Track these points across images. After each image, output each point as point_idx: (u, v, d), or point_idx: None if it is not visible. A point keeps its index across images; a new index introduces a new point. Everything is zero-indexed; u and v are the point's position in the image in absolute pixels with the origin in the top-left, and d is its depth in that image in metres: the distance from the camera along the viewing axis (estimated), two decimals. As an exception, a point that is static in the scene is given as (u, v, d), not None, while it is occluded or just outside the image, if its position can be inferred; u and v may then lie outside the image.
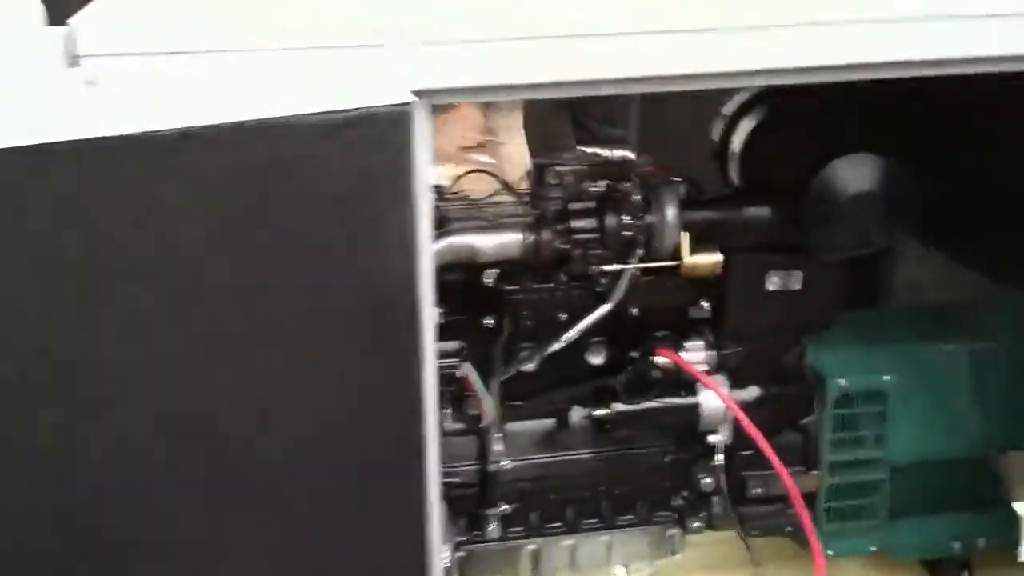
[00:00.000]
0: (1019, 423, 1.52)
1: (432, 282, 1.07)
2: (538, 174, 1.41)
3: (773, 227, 1.39)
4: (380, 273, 1.04)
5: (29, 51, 0.96)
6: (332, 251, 1.03)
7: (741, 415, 1.40)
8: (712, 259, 1.38)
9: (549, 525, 1.53)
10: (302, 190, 1.00)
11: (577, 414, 1.50)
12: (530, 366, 1.43)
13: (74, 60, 0.95)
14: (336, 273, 1.03)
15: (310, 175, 1.00)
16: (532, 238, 1.35)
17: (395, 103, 0.99)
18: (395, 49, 1.01)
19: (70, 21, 0.98)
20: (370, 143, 1.00)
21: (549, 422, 1.51)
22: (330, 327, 1.05)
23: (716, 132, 1.54)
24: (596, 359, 1.49)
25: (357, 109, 0.99)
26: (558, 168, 1.40)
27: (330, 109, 0.98)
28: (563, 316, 1.41)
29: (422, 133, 1.02)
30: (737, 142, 1.47)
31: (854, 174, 1.29)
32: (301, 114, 0.97)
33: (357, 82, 1.00)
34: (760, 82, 1.25)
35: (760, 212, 1.37)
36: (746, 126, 1.47)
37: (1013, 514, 1.59)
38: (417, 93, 1.01)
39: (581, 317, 1.39)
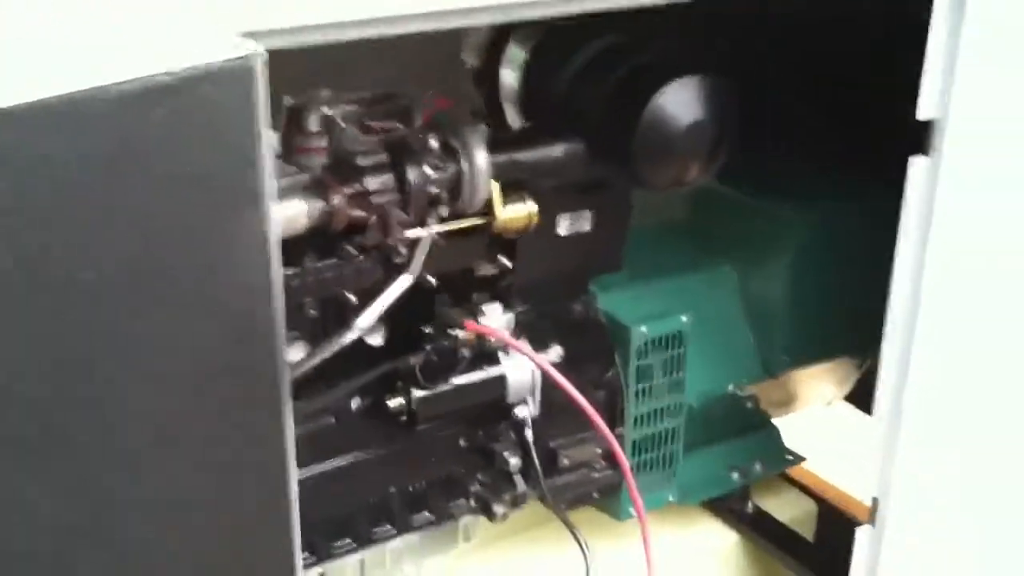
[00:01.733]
0: (795, 346, 1.48)
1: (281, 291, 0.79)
2: (297, 118, 1.12)
3: (582, 164, 1.20)
4: (232, 289, 0.74)
5: None
6: (177, 275, 0.71)
7: (563, 381, 1.22)
8: (526, 210, 1.17)
9: (336, 545, 1.27)
10: (125, 183, 0.67)
11: (358, 407, 1.26)
12: (296, 353, 1.16)
13: None
14: (186, 302, 0.72)
15: (134, 163, 0.67)
16: (319, 206, 1.06)
17: (232, 56, 0.69)
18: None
19: None
20: (203, 116, 0.69)
21: (326, 423, 1.25)
22: (179, 364, 0.74)
23: (471, 58, 1.32)
24: (375, 340, 1.24)
25: (184, 70, 0.67)
26: (323, 110, 1.11)
27: (150, 73, 0.66)
28: (352, 298, 1.14)
29: (263, 90, 0.72)
30: (511, 71, 1.26)
31: (688, 103, 1.13)
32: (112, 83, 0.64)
33: (175, 32, 0.69)
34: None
35: (574, 148, 1.18)
36: (518, 53, 1.26)
37: (775, 428, 1.59)
38: (251, 36, 0.71)
39: (372, 297, 1.14)
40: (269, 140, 0.73)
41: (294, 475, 0.86)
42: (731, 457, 1.53)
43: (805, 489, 1.64)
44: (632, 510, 1.39)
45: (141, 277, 0.70)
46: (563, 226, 1.28)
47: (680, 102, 1.13)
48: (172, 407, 0.77)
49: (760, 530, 1.55)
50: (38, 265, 0.66)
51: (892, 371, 1.21)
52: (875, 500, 1.27)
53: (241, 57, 0.68)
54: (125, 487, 0.77)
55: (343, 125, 1.10)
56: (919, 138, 1.12)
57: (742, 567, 1.56)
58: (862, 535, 1.28)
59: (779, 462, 1.58)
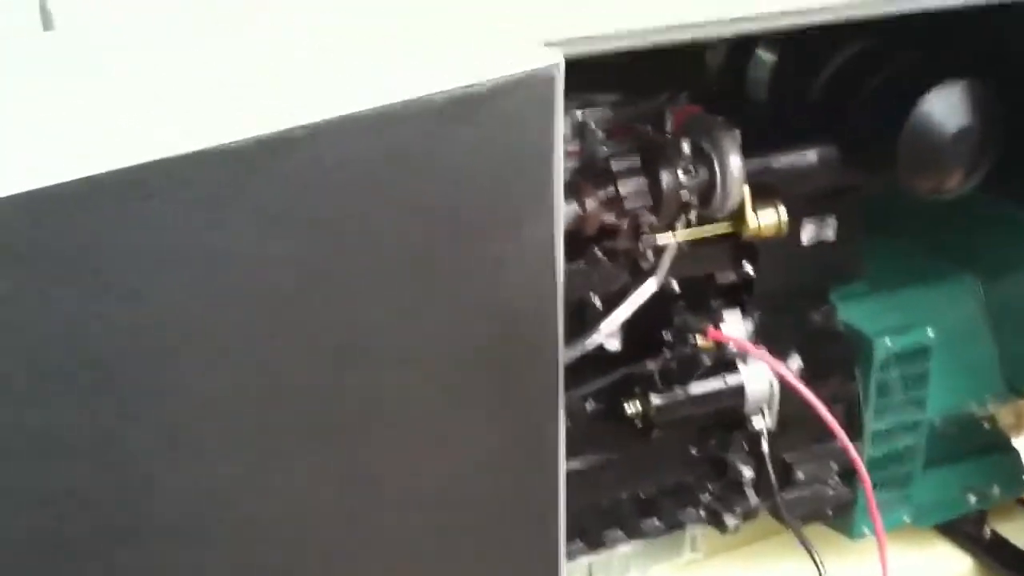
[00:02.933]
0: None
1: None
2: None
3: (836, 170, 1.17)
4: (518, 299, 0.75)
5: None
6: (467, 275, 0.72)
7: (806, 392, 1.19)
8: (778, 217, 1.15)
9: (568, 547, 1.27)
10: (428, 196, 0.68)
11: (593, 412, 1.25)
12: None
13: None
14: (471, 303, 0.72)
15: (438, 176, 0.68)
16: (574, 210, 1.06)
17: (536, 66, 0.69)
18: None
19: None
20: (507, 124, 0.69)
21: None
22: (462, 360, 0.75)
23: (717, 62, 1.29)
24: (612, 344, 1.23)
25: (493, 80, 0.67)
26: (576, 112, 1.11)
27: (454, 86, 0.66)
28: (598, 303, 1.14)
29: (560, 103, 0.72)
30: (759, 75, 1.23)
31: (955, 109, 1.09)
32: (418, 97, 0.65)
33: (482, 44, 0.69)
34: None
35: (829, 154, 1.15)
36: (767, 56, 1.23)
37: (1015, 452, 1.51)
38: (551, 45, 0.71)
39: (618, 302, 1.13)
40: (561, 160, 0.73)
41: (563, 479, 0.86)
42: (968, 479, 1.47)
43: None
44: (866, 529, 1.35)
45: (436, 275, 0.71)
46: (807, 233, 1.25)
47: (946, 108, 1.09)
48: (453, 405, 0.78)
49: (997, 556, 1.48)
50: (337, 258, 0.68)
51: None
52: None
53: (543, 67, 0.68)
54: (400, 480, 0.79)
55: (595, 129, 1.10)
56: None
57: None
58: None
59: (1019, 486, 1.50)
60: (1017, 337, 1.41)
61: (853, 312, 1.32)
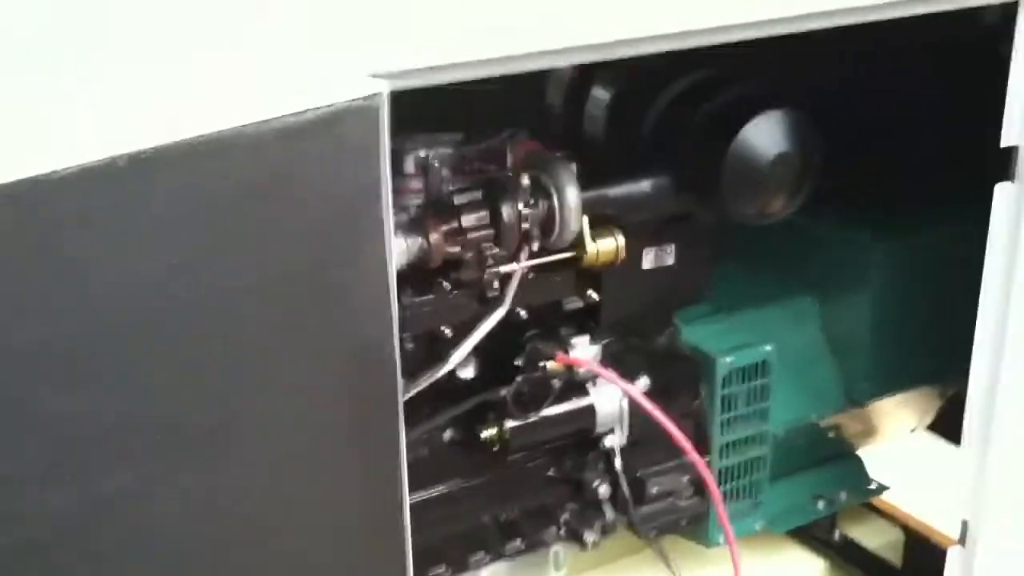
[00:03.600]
0: (879, 375, 1.49)
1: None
2: (393, 163, 1.16)
3: (670, 198, 1.24)
4: (357, 319, 0.79)
5: None
6: (310, 301, 0.76)
7: (654, 411, 1.25)
8: (614, 243, 1.21)
9: (432, 572, 1.30)
10: (260, 220, 0.72)
11: (451, 439, 1.29)
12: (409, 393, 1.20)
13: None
14: (316, 329, 0.76)
15: (270, 200, 0.72)
16: (418, 243, 1.11)
17: (362, 95, 0.74)
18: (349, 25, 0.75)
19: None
20: (336, 148, 0.74)
21: (420, 454, 1.29)
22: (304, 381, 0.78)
23: (556, 99, 1.36)
24: (466, 372, 1.28)
25: (318, 108, 0.72)
26: (420, 153, 1.16)
27: (285, 112, 0.71)
28: (447, 332, 1.18)
29: (386, 132, 0.77)
30: (596, 111, 1.30)
31: (774, 136, 1.17)
32: (249, 123, 0.69)
33: (310, 72, 0.74)
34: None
35: (662, 183, 1.22)
36: (603, 93, 1.30)
37: (858, 459, 1.60)
38: (378, 76, 0.76)
39: (467, 331, 1.18)
40: (388, 183, 0.77)
41: (406, 498, 0.90)
42: (816, 486, 1.55)
43: (890, 517, 1.64)
44: (721, 538, 1.42)
45: (282, 301, 0.75)
46: (648, 260, 1.32)
47: (766, 135, 1.17)
48: (300, 430, 0.81)
49: (847, 557, 1.56)
50: (183, 278, 0.71)
51: (980, 397, 1.22)
52: (964, 523, 1.28)
53: (369, 96, 0.73)
54: (250, 501, 0.82)
55: (438, 166, 1.15)
56: (1004, 165, 1.14)
57: None
58: (953, 555, 1.29)
59: (864, 491, 1.59)
60: (852, 353, 1.49)
61: (697, 333, 1.40)
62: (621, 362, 1.33)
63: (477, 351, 1.24)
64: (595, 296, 1.27)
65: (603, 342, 1.31)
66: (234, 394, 0.77)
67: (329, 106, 0.70)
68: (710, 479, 1.31)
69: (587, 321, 1.31)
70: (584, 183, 1.18)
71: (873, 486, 1.59)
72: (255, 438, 0.79)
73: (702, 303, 1.42)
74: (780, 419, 1.44)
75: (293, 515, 0.84)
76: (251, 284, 0.74)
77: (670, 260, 1.33)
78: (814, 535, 1.58)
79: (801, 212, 1.32)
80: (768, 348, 1.38)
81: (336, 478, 0.85)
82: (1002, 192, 1.15)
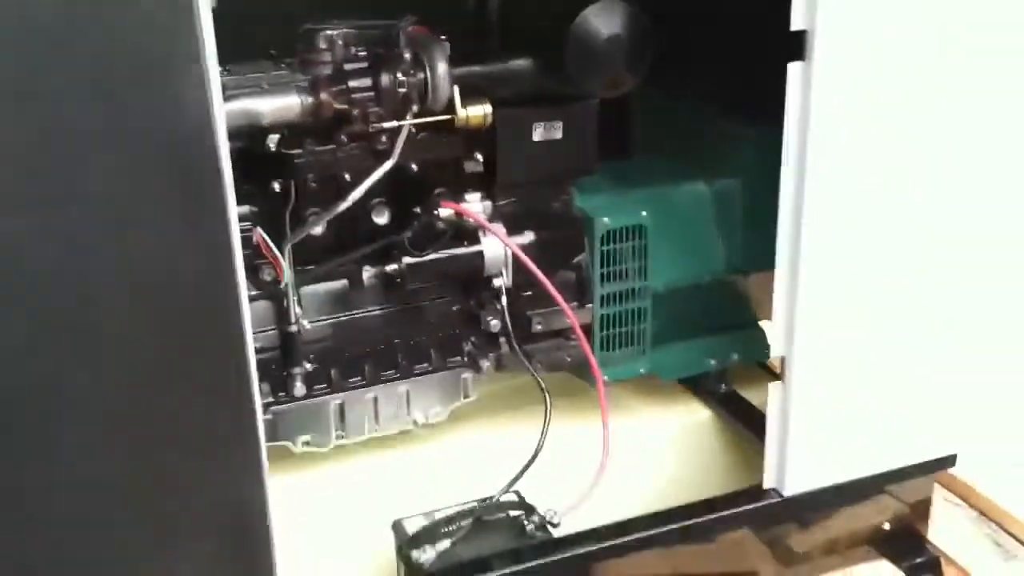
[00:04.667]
0: (759, 248, 1.71)
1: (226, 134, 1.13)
2: (308, 38, 1.47)
3: (534, 78, 1.51)
4: (176, 117, 1.09)
5: None
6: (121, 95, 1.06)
7: (522, 255, 1.53)
8: (483, 110, 1.48)
9: (351, 380, 1.61)
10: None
11: (368, 272, 1.59)
12: (318, 229, 1.50)
13: None
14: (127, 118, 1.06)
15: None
16: (310, 100, 1.41)
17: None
18: None
19: None
20: None
21: (342, 283, 1.60)
22: (132, 179, 1.09)
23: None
24: (381, 219, 1.57)
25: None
26: (328, 32, 1.46)
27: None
28: (347, 177, 1.48)
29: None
30: (493, 5, 1.57)
31: (606, 20, 1.42)
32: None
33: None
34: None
35: (522, 64, 1.49)
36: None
37: (759, 329, 1.82)
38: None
39: (364, 177, 1.47)
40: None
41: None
42: (712, 349, 1.78)
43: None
44: (606, 376, 1.67)
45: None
46: (537, 133, 1.58)
47: (600, 20, 1.42)
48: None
49: (730, 408, 1.78)
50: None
51: (786, 244, 1.44)
52: (783, 359, 1.51)
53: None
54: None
55: (341, 43, 1.44)
56: (797, 47, 1.36)
57: (709, 438, 1.78)
58: (774, 390, 1.52)
59: (756, 354, 1.80)
60: (731, 227, 1.72)
61: (587, 201, 1.65)
62: (515, 219, 1.60)
63: (391, 203, 1.55)
64: (480, 158, 1.55)
65: (499, 201, 1.59)
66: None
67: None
68: (573, 318, 1.57)
69: (486, 183, 1.59)
70: (460, 61, 1.46)
71: (767, 352, 1.81)
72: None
73: (601, 179, 1.68)
74: (660, 278, 1.68)
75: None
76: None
77: (558, 135, 1.59)
78: (706, 388, 1.81)
79: (696, 107, 1.55)
80: (644, 214, 1.63)
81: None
82: (793, 70, 1.37)
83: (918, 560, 1.73)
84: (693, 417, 1.79)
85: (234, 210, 1.15)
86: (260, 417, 1.25)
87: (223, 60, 1.12)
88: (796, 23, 1.35)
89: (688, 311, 1.75)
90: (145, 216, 1.09)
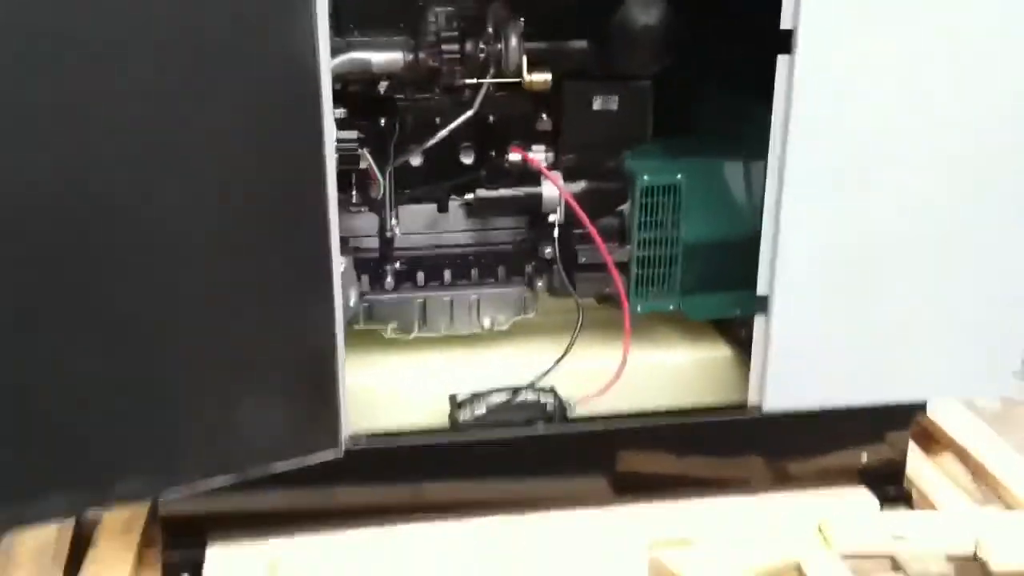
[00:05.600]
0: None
1: (329, 72, 1.59)
2: (421, 12, 1.92)
3: (589, 56, 1.91)
4: (286, 60, 1.55)
5: None
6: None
7: (569, 197, 1.94)
8: (544, 77, 1.90)
9: (431, 283, 2.06)
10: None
11: (453, 200, 2.04)
12: (416, 160, 1.96)
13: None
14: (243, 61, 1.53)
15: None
16: (411, 56, 1.86)
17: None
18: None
19: None
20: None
21: (433, 206, 2.05)
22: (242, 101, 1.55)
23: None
24: (466, 159, 2.02)
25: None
26: (435, 7, 1.91)
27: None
28: (437, 120, 1.93)
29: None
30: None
31: (641, 12, 1.82)
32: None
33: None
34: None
35: (578, 44, 1.90)
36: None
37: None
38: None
39: (452, 122, 1.92)
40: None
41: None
42: (735, 299, 2.10)
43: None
44: (639, 307, 2.05)
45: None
46: (596, 103, 1.98)
47: (635, 12, 1.82)
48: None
49: (748, 350, 2.11)
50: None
51: (771, 209, 1.79)
52: (764, 298, 1.85)
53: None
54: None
55: (443, 16, 1.89)
56: (784, 42, 1.71)
57: (726, 371, 2.09)
58: (758, 323, 1.87)
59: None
60: (758, 198, 2.06)
61: (636, 162, 2.04)
62: (571, 170, 2.01)
63: (475, 146, 1.99)
64: (545, 117, 1.97)
65: (561, 155, 2.00)
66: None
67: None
68: (607, 254, 1.96)
69: (553, 139, 2.00)
70: (529, 38, 1.88)
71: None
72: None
73: (654, 148, 2.06)
74: (692, 232, 2.04)
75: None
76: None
77: (614, 107, 1.99)
78: (731, 332, 2.15)
79: (734, 94, 1.92)
80: (679, 177, 2.00)
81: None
82: (781, 61, 1.72)
83: (892, 490, 2.03)
84: (715, 352, 2.13)
85: (330, 117, 1.61)
86: (338, 275, 1.70)
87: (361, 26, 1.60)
88: (785, 23, 1.70)
89: (717, 264, 2.10)
90: (262, 113, 1.56)
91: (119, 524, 1.97)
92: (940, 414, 2.27)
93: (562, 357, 1.97)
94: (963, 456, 2.20)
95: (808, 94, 1.72)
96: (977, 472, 2.16)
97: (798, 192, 1.78)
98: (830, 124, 1.75)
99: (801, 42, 1.70)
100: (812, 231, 1.81)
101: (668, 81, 1.98)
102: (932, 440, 2.27)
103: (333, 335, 1.72)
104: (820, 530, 1.92)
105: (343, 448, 1.78)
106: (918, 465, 2.16)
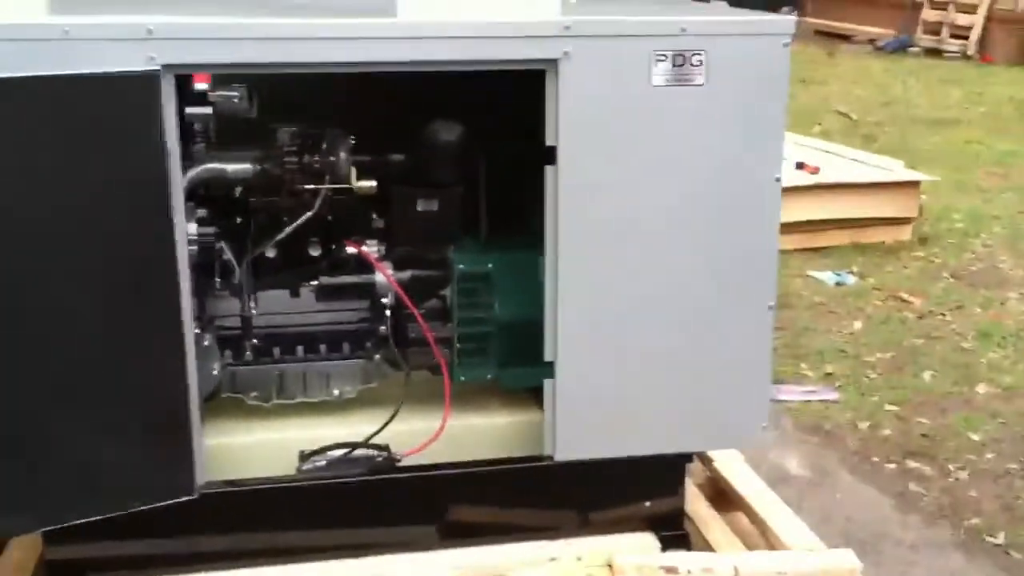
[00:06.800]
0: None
1: (181, 190, 1.99)
2: (273, 132, 2.34)
3: (407, 166, 2.34)
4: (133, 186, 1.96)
5: None
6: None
7: (394, 283, 2.34)
8: (370, 184, 2.31)
9: (287, 357, 2.43)
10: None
11: (303, 286, 2.44)
12: (271, 252, 2.36)
13: None
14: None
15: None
16: (259, 167, 2.28)
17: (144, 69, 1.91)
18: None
19: None
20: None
21: (286, 291, 2.44)
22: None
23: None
24: (314, 251, 2.42)
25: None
26: (283, 128, 2.33)
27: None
28: (285, 219, 2.33)
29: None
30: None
31: (441, 132, 2.25)
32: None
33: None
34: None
35: (397, 156, 2.33)
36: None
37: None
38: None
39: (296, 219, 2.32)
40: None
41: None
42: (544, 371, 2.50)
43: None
44: (462, 376, 2.43)
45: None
46: (420, 204, 2.40)
47: (436, 130, 2.25)
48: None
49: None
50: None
51: (551, 279, 2.20)
52: (551, 363, 2.24)
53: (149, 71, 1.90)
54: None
55: (287, 136, 2.31)
56: (550, 156, 2.14)
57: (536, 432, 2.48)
58: (547, 385, 2.25)
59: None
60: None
61: (456, 253, 2.44)
62: (400, 260, 2.41)
63: (321, 241, 2.39)
64: (376, 217, 2.38)
65: (391, 248, 2.40)
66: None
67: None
68: (427, 329, 2.35)
69: (385, 235, 2.41)
70: (358, 151, 2.30)
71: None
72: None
73: (474, 242, 2.46)
74: (505, 311, 2.43)
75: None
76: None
77: (435, 208, 2.40)
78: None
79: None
80: (490, 265, 2.40)
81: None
82: (549, 171, 2.14)
83: (672, 534, 2.39)
84: (529, 415, 2.49)
85: (181, 220, 2.00)
86: (191, 348, 2.07)
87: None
88: (549, 140, 2.13)
89: (529, 339, 2.47)
90: (118, 217, 1.96)
91: (13, 564, 2.31)
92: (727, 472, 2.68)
93: (390, 420, 2.34)
94: (747, 510, 2.58)
95: (569, 194, 2.14)
96: (755, 522, 2.54)
97: (569, 272, 2.19)
98: (588, 216, 2.17)
99: (561, 155, 2.13)
100: (582, 305, 2.21)
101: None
102: (723, 497, 2.66)
103: (186, 396, 2.09)
104: (610, 565, 2.29)
105: (197, 492, 2.13)
106: (706, 516, 2.54)
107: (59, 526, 2.03)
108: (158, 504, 2.10)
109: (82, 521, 2.03)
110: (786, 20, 2.25)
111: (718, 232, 2.26)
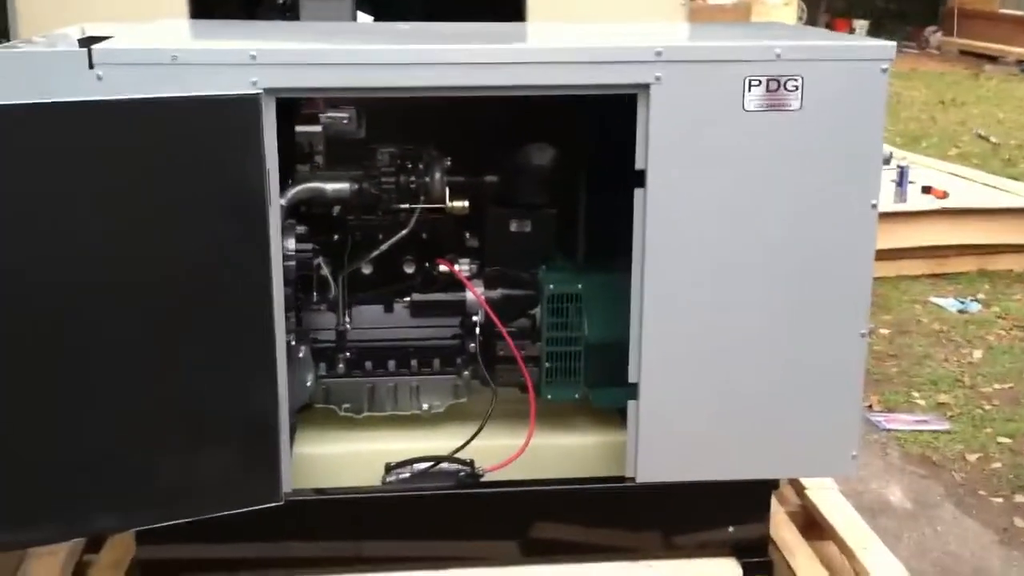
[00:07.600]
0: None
1: (278, 208, 2.07)
2: (371, 152, 2.41)
3: (500, 187, 2.38)
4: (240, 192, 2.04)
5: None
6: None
7: (483, 301, 2.38)
8: (462, 204, 2.36)
9: (378, 370, 2.50)
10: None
11: (397, 302, 2.49)
12: (367, 269, 2.42)
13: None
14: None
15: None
16: (356, 187, 2.34)
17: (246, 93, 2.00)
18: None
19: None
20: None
21: (380, 306, 2.50)
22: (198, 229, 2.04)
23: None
24: (408, 268, 2.47)
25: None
26: (380, 149, 2.40)
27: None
28: (380, 236, 2.39)
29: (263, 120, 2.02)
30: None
31: (534, 155, 2.29)
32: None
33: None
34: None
35: (492, 178, 2.37)
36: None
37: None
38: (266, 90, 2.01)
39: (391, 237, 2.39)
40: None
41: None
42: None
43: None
44: (550, 395, 2.45)
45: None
46: (513, 226, 2.43)
47: (528, 154, 2.28)
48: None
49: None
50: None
51: (637, 300, 2.20)
52: (635, 384, 2.24)
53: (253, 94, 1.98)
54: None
55: (385, 156, 2.37)
56: (639, 179, 2.15)
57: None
58: (631, 407, 2.25)
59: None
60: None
61: (547, 273, 2.46)
62: (491, 279, 2.45)
63: (416, 260, 2.44)
64: (468, 236, 2.42)
65: (483, 267, 2.44)
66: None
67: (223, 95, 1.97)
68: (515, 348, 2.38)
69: (478, 254, 2.45)
70: (452, 173, 2.35)
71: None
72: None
73: (565, 262, 2.49)
74: (594, 331, 2.44)
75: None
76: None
77: (528, 229, 2.44)
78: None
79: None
80: (579, 286, 2.42)
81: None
82: (638, 194, 2.15)
83: (756, 560, 2.36)
84: (612, 436, 2.50)
85: (277, 236, 2.08)
86: (282, 360, 2.15)
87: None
88: (639, 164, 2.14)
89: (618, 359, 2.48)
90: (218, 232, 2.04)
91: (111, 562, 2.42)
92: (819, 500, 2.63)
93: (475, 435, 2.37)
94: (836, 540, 2.53)
95: (657, 217, 2.15)
96: (844, 552, 2.49)
97: (654, 294, 2.19)
98: (675, 239, 2.17)
99: (651, 178, 2.13)
100: (666, 327, 2.21)
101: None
102: (815, 525, 2.61)
103: (276, 406, 2.16)
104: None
105: (283, 499, 2.20)
106: (793, 544, 2.50)
107: (151, 527, 2.13)
108: (245, 509, 2.18)
109: (173, 523, 2.12)
110: (885, 45, 2.22)
111: (810, 258, 2.24)
